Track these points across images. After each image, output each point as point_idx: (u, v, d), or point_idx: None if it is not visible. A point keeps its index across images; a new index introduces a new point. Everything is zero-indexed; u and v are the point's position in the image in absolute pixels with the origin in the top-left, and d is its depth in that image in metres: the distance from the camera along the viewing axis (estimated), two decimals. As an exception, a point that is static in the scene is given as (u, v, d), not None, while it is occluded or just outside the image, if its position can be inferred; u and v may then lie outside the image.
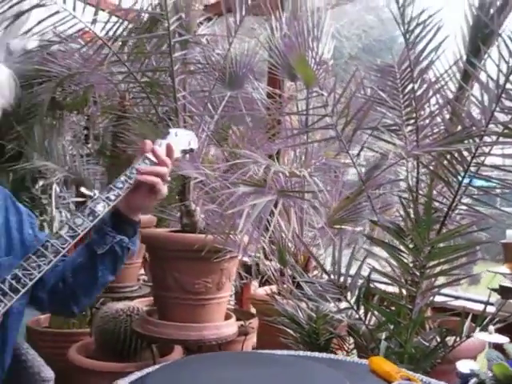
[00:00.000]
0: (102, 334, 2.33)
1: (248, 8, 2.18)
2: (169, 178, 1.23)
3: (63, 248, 1.10)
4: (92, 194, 1.20)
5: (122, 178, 1.17)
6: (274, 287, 2.49)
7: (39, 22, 2.19)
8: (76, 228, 1.11)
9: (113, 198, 1.15)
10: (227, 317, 2.16)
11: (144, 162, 1.19)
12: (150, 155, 1.20)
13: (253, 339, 2.55)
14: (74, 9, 2.12)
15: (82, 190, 1.15)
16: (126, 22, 2.16)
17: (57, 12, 2.13)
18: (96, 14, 2.12)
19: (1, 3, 2.14)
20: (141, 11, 2.03)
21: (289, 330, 1.90)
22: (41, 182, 3.23)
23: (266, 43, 2.51)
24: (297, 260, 2.33)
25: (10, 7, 2.14)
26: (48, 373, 1.21)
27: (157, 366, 1.13)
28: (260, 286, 3.00)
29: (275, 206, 1.59)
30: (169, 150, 1.23)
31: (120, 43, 2.14)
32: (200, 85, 2.22)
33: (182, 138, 1.29)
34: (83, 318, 2.86)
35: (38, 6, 2.08)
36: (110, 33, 2.11)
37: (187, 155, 1.43)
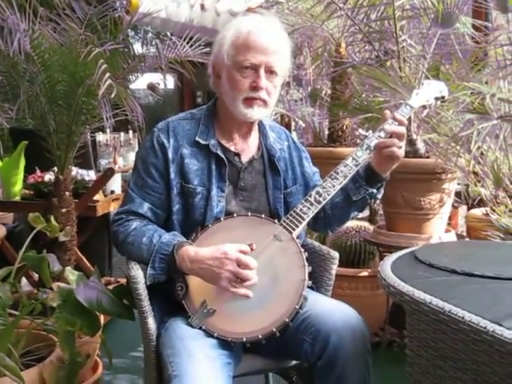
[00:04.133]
0: (336, 247, 2.82)
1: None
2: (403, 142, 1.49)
3: (350, 173, 1.48)
4: (367, 133, 1.56)
5: (390, 121, 1.50)
6: (487, 209, 2.74)
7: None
8: (357, 158, 1.50)
9: (383, 135, 1.50)
10: (447, 231, 2.48)
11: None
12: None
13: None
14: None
15: (360, 130, 1.52)
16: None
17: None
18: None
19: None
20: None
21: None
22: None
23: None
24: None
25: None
26: (334, 253, 1.68)
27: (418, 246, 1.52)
28: (468, 210, 3.24)
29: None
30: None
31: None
32: (416, 27, 2.48)
33: (434, 87, 1.62)
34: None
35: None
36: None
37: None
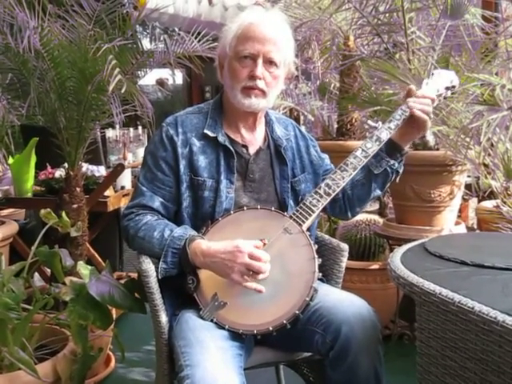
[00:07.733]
0: (346, 240, 2.82)
1: None
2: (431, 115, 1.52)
3: (359, 164, 1.49)
4: (376, 124, 1.55)
5: (399, 111, 1.52)
6: (497, 201, 2.72)
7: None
8: (367, 150, 1.50)
9: (393, 127, 1.51)
10: (457, 223, 2.48)
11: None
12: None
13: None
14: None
15: (369, 122, 1.51)
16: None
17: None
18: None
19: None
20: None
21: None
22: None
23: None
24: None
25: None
26: (344, 245, 1.68)
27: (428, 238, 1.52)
28: (479, 202, 3.22)
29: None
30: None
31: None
32: (425, 19, 2.47)
33: (444, 77, 1.60)
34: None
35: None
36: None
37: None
